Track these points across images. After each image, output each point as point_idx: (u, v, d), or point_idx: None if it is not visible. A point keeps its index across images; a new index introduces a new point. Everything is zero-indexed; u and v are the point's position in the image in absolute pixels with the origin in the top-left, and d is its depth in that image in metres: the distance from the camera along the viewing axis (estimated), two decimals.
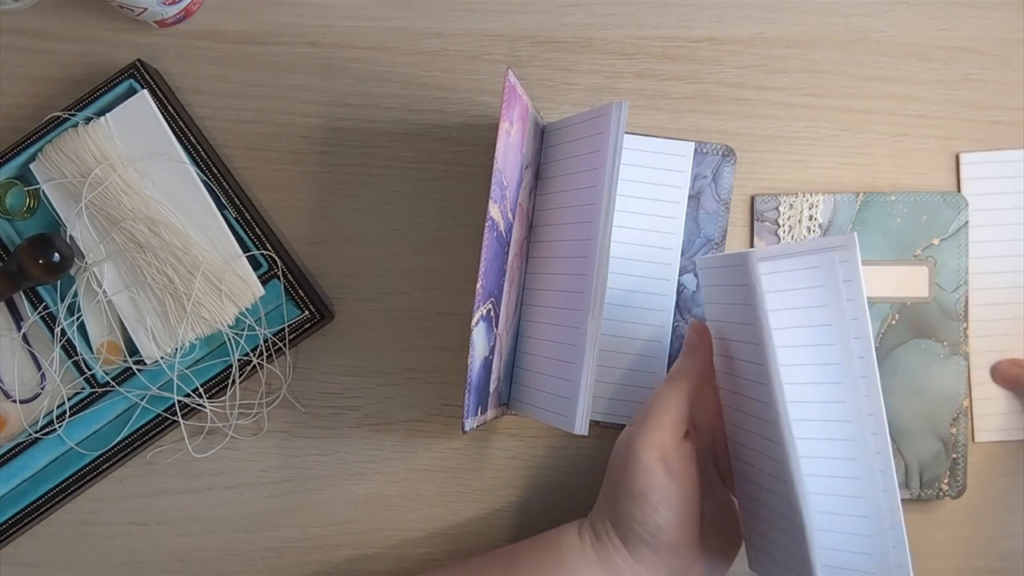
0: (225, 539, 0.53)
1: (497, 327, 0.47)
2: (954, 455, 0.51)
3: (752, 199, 0.53)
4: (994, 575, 0.52)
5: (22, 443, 0.51)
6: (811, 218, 0.53)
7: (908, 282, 0.52)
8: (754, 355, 0.39)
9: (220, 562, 0.53)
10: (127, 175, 0.50)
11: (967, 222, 0.52)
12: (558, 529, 0.47)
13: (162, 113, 0.51)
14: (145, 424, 0.51)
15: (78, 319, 0.51)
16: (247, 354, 0.51)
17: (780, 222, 0.53)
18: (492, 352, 0.47)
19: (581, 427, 0.44)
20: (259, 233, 0.51)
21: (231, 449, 0.53)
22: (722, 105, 0.54)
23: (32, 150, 0.51)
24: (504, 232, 0.46)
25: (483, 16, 0.55)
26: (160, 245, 0.50)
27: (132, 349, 0.51)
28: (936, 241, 0.52)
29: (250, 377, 0.52)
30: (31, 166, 0.50)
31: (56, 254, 0.48)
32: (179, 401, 0.50)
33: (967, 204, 0.52)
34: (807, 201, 0.53)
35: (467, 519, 0.53)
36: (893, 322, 0.52)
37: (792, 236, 0.53)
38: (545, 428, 0.53)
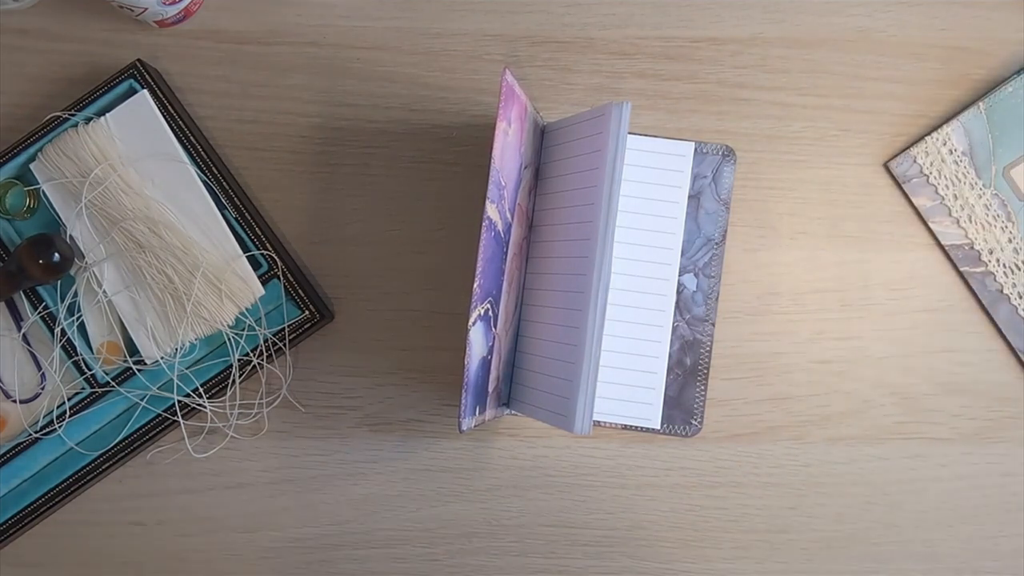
0: (225, 539, 0.53)
1: (496, 327, 0.47)
2: None
3: (886, 168, 0.53)
4: (994, 575, 0.52)
5: (22, 443, 0.51)
6: (951, 152, 0.51)
7: None
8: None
9: (220, 562, 0.53)
10: (127, 175, 0.50)
11: None
12: None
13: (162, 113, 0.51)
14: (145, 424, 0.51)
15: (78, 319, 0.51)
16: (247, 354, 0.51)
17: (926, 171, 0.52)
18: (491, 352, 0.47)
19: (582, 427, 0.44)
20: (259, 233, 0.51)
21: (231, 449, 0.53)
22: (722, 105, 0.54)
23: (32, 150, 0.51)
24: (502, 232, 0.46)
25: (483, 16, 0.55)
26: (160, 245, 0.50)
27: (132, 349, 0.51)
28: None
29: (250, 377, 0.52)
30: (31, 166, 0.50)
31: (56, 254, 0.48)
32: (179, 401, 0.50)
33: None
34: (938, 138, 0.51)
35: (467, 519, 0.53)
36: None
37: (944, 177, 0.51)
38: (545, 428, 0.52)
